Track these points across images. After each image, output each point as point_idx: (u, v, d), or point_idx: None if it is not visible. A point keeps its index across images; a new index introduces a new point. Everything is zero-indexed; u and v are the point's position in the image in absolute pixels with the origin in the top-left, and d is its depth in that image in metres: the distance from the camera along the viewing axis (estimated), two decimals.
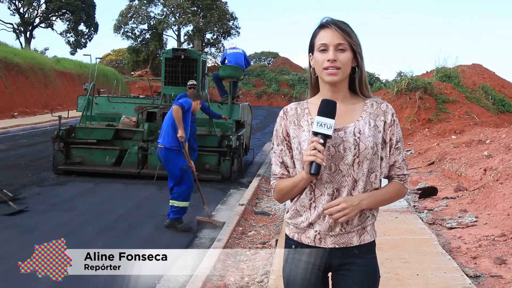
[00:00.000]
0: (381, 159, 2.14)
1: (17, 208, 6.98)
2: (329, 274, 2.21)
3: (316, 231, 2.11)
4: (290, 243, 2.19)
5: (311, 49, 2.14)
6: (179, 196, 6.52)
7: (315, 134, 1.99)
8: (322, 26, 2.11)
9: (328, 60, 2.05)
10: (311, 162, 1.97)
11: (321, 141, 1.98)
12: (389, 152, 2.15)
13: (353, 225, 2.10)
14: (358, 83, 2.15)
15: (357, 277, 2.13)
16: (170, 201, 6.59)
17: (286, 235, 2.22)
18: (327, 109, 2.00)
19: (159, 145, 6.61)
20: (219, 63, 12.17)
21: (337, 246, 2.11)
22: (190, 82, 10.40)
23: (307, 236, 2.13)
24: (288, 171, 2.17)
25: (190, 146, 9.68)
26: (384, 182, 2.20)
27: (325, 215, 2.09)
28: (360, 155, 2.06)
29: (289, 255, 2.19)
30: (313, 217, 2.10)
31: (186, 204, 6.60)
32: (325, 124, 1.98)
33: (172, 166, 6.51)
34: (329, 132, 1.98)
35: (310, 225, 2.11)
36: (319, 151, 1.96)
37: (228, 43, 12.91)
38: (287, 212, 2.22)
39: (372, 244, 2.17)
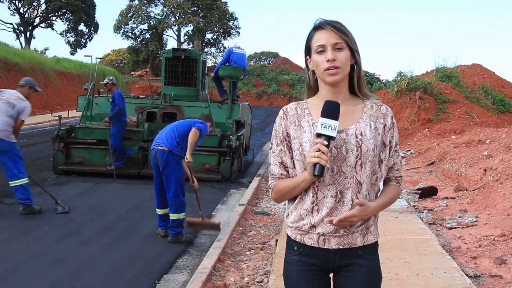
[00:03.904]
0: (381, 161, 2.15)
1: (66, 209, 7.25)
2: (331, 275, 2.20)
3: (319, 233, 2.10)
4: (292, 244, 2.17)
5: (308, 51, 2.14)
6: (177, 208, 6.09)
7: (319, 135, 1.99)
8: (317, 27, 2.10)
9: (328, 61, 2.04)
10: (315, 164, 1.96)
11: (325, 142, 1.96)
12: (388, 154, 2.16)
13: (356, 225, 2.10)
14: (356, 80, 2.15)
15: (360, 278, 2.12)
16: (170, 214, 6.10)
17: (288, 236, 2.21)
18: (331, 111, 2.00)
19: (159, 147, 6.11)
20: (220, 61, 12.11)
21: (341, 247, 2.10)
22: (106, 80, 10.35)
23: (310, 237, 2.11)
24: (287, 171, 2.16)
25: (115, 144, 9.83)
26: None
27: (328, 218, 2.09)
28: (362, 157, 2.06)
29: (291, 257, 2.17)
30: (315, 220, 2.09)
31: (185, 215, 6.23)
32: (329, 126, 1.97)
33: (171, 172, 6.05)
34: (333, 133, 1.97)
35: (313, 227, 2.10)
36: (323, 153, 1.95)
37: (233, 41, 13.00)
38: (287, 216, 2.20)
39: (375, 245, 2.17)
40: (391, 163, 2.18)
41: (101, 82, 10.71)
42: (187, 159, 6.20)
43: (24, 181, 7.05)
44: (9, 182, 7.04)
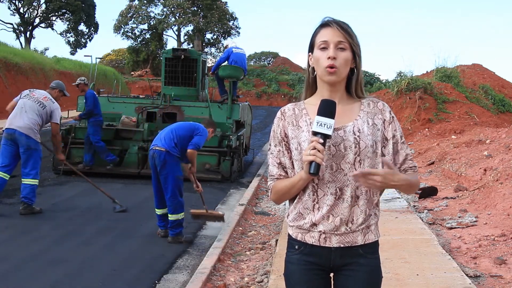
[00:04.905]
0: (384, 156, 2.14)
1: (124, 207, 7.48)
2: (331, 275, 2.20)
3: (320, 231, 2.10)
4: (293, 243, 2.18)
5: (311, 48, 2.14)
6: (175, 209, 6.05)
7: (315, 133, 1.99)
8: (324, 25, 2.11)
9: (329, 58, 2.05)
10: (311, 162, 1.97)
11: (321, 140, 1.97)
12: (396, 147, 2.15)
13: (357, 223, 2.10)
14: (354, 84, 2.16)
15: (361, 277, 2.12)
16: (169, 215, 6.07)
17: (289, 235, 2.21)
18: (327, 109, 2.01)
19: (157, 148, 6.07)
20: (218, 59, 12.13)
21: (342, 245, 2.10)
22: (78, 81, 10.52)
23: (312, 236, 2.12)
24: (286, 172, 2.16)
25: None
26: None
27: (329, 215, 2.09)
28: (361, 153, 2.07)
29: (292, 256, 2.18)
30: (316, 218, 2.10)
31: (184, 215, 6.19)
32: (325, 124, 1.98)
33: (168, 172, 6.01)
34: (329, 132, 1.98)
35: (314, 225, 2.11)
36: (319, 151, 1.95)
37: (232, 41, 12.95)
38: (287, 216, 2.20)
39: (376, 244, 2.17)
40: (404, 154, 2.17)
41: (73, 83, 10.86)
42: (190, 169, 6.29)
43: (35, 182, 7.10)
44: (22, 179, 7.08)
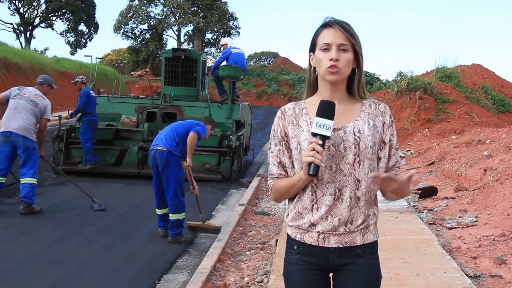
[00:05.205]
0: (379, 159, 2.15)
1: (102, 206, 7.47)
2: (330, 275, 2.20)
3: (319, 231, 2.10)
4: (292, 243, 2.18)
5: (313, 48, 2.14)
6: (177, 209, 6.05)
7: (314, 135, 2.00)
8: (326, 25, 2.11)
9: (331, 59, 2.05)
10: (310, 163, 1.97)
11: (320, 142, 1.97)
12: (390, 152, 2.16)
13: (356, 224, 2.10)
14: (356, 84, 2.16)
15: (360, 277, 2.12)
16: (170, 215, 6.07)
17: (288, 235, 2.21)
18: (326, 110, 2.00)
19: (158, 148, 6.07)
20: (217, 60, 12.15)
21: (340, 246, 2.10)
22: (76, 79, 10.52)
23: (310, 236, 2.12)
24: (286, 171, 2.17)
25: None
26: None
27: (327, 215, 2.09)
28: (360, 154, 2.07)
29: (291, 256, 2.18)
30: (315, 218, 2.10)
31: (185, 215, 6.19)
32: (324, 125, 1.98)
33: (171, 171, 6.01)
34: (328, 133, 1.98)
35: (312, 225, 2.11)
36: (318, 152, 1.96)
37: (230, 41, 12.99)
38: (287, 216, 2.21)
39: (374, 244, 2.17)
40: (394, 160, 2.18)
41: (72, 81, 10.88)
42: (186, 162, 6.18)
43: (34, 181, 7.10)
44: (21, 179, 7.07)
